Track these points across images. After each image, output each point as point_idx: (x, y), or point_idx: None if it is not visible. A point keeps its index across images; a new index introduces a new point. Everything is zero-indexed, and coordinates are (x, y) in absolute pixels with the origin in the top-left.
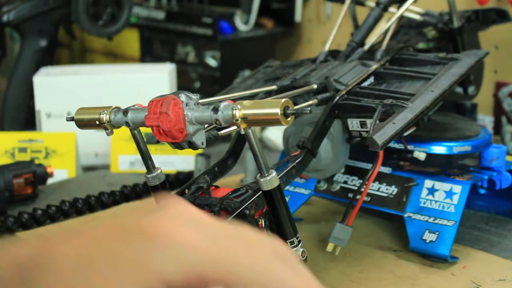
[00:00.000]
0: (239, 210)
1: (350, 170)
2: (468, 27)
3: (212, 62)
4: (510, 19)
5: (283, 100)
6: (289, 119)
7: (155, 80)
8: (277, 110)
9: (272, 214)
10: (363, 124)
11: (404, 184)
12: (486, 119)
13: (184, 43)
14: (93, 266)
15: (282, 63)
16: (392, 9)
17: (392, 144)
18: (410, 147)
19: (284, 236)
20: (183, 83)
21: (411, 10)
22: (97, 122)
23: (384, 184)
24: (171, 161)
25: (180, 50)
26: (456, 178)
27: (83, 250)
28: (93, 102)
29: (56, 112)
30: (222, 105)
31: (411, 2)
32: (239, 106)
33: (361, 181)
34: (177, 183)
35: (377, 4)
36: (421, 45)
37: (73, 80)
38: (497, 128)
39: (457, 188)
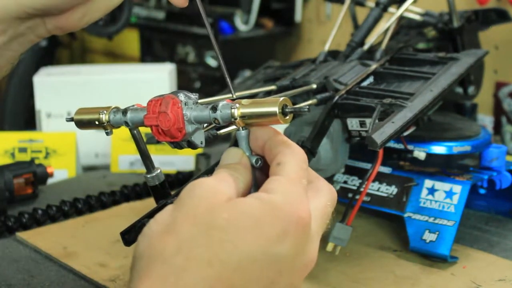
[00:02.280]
0: None
1: (350, 170)
2: (468, 27)
3: (212, 62)
4: (510, 19)
5: (281, 98)
6: (287, 117)
7: (155, 80)
8: (276, 109)
9: None
10: (362, 124)
11: (404, 184)
12: (486, 119)
13: (184, 43)
14: None
15: (282, 64)
16: (392, 9)
17: (392, 144)
18: (410, 147)
19: None
20: (183, 83)
21: (411, 10)
22: (97, 122)
23: (384, 184)
24: (171, 161)
25: (180, 50)
26: (456, 178)
27: None
28: (93, 102)
29: (56, 112)
30: (220, 104)
31: (411, 2)
32: (237, 105)
33: (361, 181)
34: (177, 183)
35: (377, 4)
36: (421, 45)
37: (73, 80)
38: (497, 128)
39: (457, 188)
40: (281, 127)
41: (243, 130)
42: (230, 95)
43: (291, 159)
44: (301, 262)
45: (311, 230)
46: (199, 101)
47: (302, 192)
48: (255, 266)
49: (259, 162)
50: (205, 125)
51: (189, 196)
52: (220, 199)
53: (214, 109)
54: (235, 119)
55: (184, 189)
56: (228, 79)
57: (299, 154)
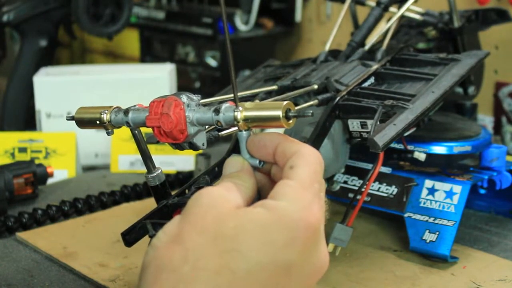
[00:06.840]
0: None
1: (350, 170)
2: (468, 27)
3: (212, 62)
4: (510, 19)
5: (285, 102)
6: (291, 121)
7: (155, 80)
8: (279, 113)
9: None
10: (363, 125)
11: (404, 184)
12: (486, 119)
13: (184, 43)
14: None
15: (282, 63)
16: (392, 9)
17: (392, 144)
18: (410, 147)
19: None
20: (183, 83)
21: (411, 10)
22: (98, 122)
23: (384, 184)
24: (171, 161)
25: (180, 50)
26: (456, 178)
27: None
28: (93, 102)
29: (56, 112)
30: (223, 106)
31: (411, 2)
32: (240, 108)
33: (361, 181)
34: (177, 183)
35: (378, 3)
36: (421, 45)
37: (73, 80)
38: (497, 128)
39: (457, 188)
40: (281, 128)
41: (244, 131)
42: (231, 96)
43: (304, 162)
44: (311, 267)
45: (320, 233)
46: (200, 101)
47: (312, 198)
48: (264, 273)
49: (262, 162)
50: (206, 126)
51: (195, 205)
52: (227, 207)
53: (217, 111)
54: (238, 122)
55: (190, 199)
56: (235, 87)
57: (314, 155)
